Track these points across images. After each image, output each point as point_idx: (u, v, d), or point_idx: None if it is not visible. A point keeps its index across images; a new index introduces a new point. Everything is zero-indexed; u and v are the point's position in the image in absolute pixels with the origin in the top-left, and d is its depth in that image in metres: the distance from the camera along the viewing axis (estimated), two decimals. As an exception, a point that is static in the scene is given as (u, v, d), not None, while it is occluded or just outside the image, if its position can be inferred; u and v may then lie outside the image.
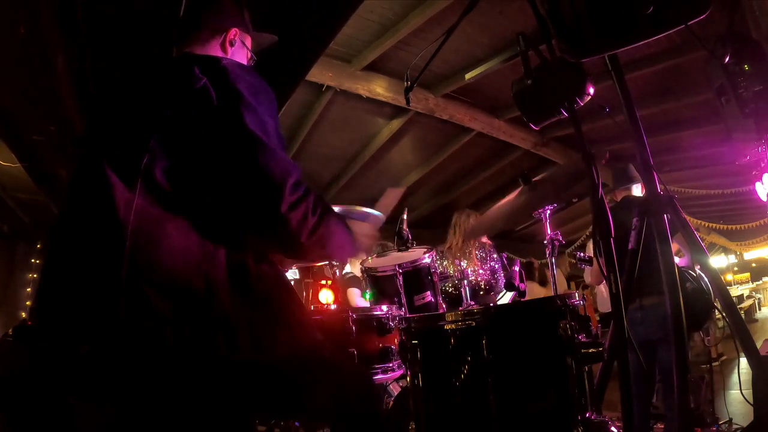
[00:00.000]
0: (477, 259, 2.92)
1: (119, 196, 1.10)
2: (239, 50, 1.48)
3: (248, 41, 1.52)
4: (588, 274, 3.52)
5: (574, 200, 3.63)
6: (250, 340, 1.12)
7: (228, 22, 1.45)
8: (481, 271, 3.10)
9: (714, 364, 3.80)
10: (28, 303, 5.95)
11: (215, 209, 1.15)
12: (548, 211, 2.33)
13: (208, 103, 1.16)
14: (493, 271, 2.99)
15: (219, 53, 1.43)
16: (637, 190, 3.23)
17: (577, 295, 1.64)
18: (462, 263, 3.13)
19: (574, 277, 10.07)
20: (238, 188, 1.14)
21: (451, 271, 3.21)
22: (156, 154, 1.14)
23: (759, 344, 2.02)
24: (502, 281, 2.91)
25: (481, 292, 3.10)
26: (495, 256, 3.12)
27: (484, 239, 3.64)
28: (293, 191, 1.14)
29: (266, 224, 1.16)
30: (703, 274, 2.67)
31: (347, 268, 4.61)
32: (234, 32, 1.45)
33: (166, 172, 1.13)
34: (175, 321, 1.05)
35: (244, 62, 1.48)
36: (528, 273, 5.38)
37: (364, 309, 2.42)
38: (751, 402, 1.86)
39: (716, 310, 2.59)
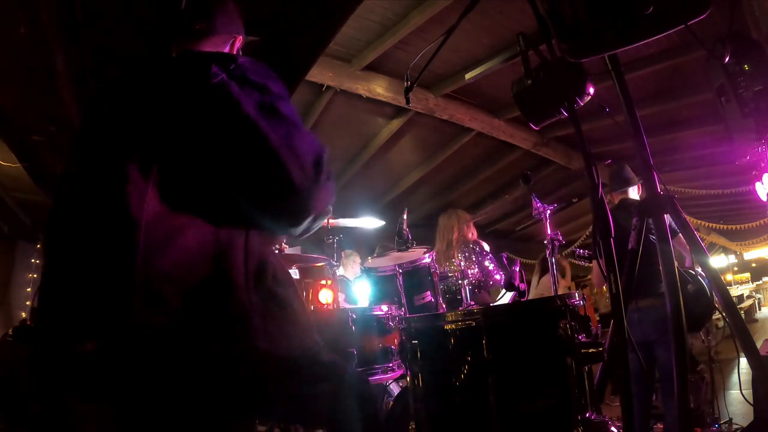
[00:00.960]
0: (462, 259, 2.88)
1: (131, 189, 1.09)
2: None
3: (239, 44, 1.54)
4: (593, 276, 3.52)
5: (574, 200, 3.63)
6: (265, 337, 1.12)
7: (237, 28, 1.47)
8: (470, 271, 3.04)
9: (713, 364, 3.80)
10: (28, 303, 5.94)
11: (234, 200, 1.15)
12: (548, 211, 2.33)
13: (229, 96, 1.16)
14: (483, 267, 2.92)
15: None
16: (634, 192, 3.24)
17: (577, 295, 1.64)
18: (448, 267, 3.09)
19: (574, 277, 10.07)
20: (282, 169, 1.15)
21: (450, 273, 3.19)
22: (169, 148, 1.13)
23: (759, 344, 2.01)
24: (494, 276, 2.87)
25: (476, 290, 3.07)
26: (484, 252, 3.05)
27: (471, 236, 3.62)
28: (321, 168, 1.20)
29: (290, 197, 1.17)
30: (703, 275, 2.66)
31: (340, 270, 4.59)
32: (240, 40, 1.48)
33: (181, 165, 1.13)
34: (189, 316, 1.05)
35: None
36: (545, 267, 5.42)
37: (364, 309, 2.43)
38: (751, 402, 1.86)
39: (717, 311, 2.59)
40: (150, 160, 1.12)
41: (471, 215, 3.61)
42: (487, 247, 2.97)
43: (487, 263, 2.84)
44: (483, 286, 3.02)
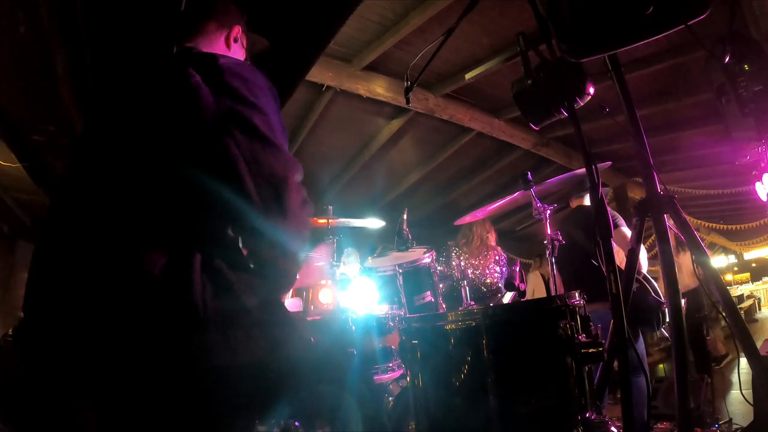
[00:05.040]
0: (495, 263, 2.96)
1: (111, 196, 1.10)
2: (240, 49, 1.51)
3: (244, 42, 1.53)
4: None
5: (575, 200, 3.61)
6: (267, 342, 1.11)
7: (233, 19, 1.47)
8: (496, 274, 3.14)
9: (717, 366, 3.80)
10: (28, 303, 5.94)
11: (198, 207, 1.13)
12: (548, 211, 2.33)
13: (201, 102, 1.13)
14: (502, 273, 3.04)
15: (222, 48, 1.44)
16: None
17: (577, 295, 1.64)
18: (473, 263, 3.16)
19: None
20: (240, 184, 1.11)
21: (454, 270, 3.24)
22: (146, 152, 1.13)
23: (759, 344, 2.01)
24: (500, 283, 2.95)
25: (488, 294, 3.12)
26: (505, 260, 3.17)
27: (492, 242, 3.69)
28: (298, 189, 1.16)
29: (270, 218, 1.12)
30: (648, 276, 2.68)
31: (341, 269, 4.60)
32: (237, 30, 1.47)
33: (154, 171, 1.12)
34: (187, 322, 1.05)
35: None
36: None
37: (364, 309, 2.42)
38: (751, 402, 1.86)
39: (717, 310, 2.58)
40: (130, 166, 1.13)
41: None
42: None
43: (504, 270, 2.93)
44: (496, 292, 3.06)
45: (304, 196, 1.17)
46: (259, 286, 1.15)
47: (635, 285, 2.59)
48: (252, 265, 1.15)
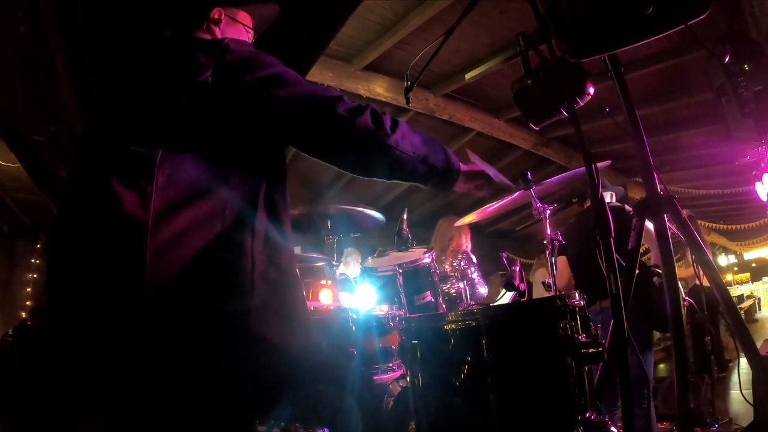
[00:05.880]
0: (451, 270, 2.88)
1: (134, 193, 1.08)
2: (230, 27, 1.41)
3: (241, 16, 1.44)
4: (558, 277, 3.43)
5: (574, 200, 3.62)
6: (268, 337, 1.11)
7: (205, 2, 1.38)
8: (456, 283, 3.01)
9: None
10: (28, 303, 5.95)
11: (242, 196, 1.15)
12: (548, 211, 2.32)
13: (230, 84, 1.17)
14: (470, 279, 2.89)
15: (207, 38, 1.36)
16: (607, 199, 3.27)
17: (577, 295, 1.64)
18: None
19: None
20: (296, 126, 1.21)
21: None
22: (172, 143, 1.12)
23: (759, 344, 2.01)
24: (479, 289, 2.89)
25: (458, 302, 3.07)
26: (473, 264, 3.04)
27: (463, 247, 3.63)
28: (344, 101, 1.22)
29: (338, 138, 1.22)
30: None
31: (341, 269, 4.58)
32: (216, 12, 1.38)
33: (188, 159, 1.12)
34: (195, 317, 1.05)
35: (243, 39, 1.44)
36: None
37: (364, 309, 2.42)
38: (751, 402, 1.86)
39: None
40: (153, 159, 1.11)
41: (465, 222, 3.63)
42: (474, 259, 2.99)
43: (474, 276, 2.86)
44: (460, 300, 3.01)
45: (355, 103, 1.25)
46: (282, 281, 1.18)
47: (657, 279, 2.57)
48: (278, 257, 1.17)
